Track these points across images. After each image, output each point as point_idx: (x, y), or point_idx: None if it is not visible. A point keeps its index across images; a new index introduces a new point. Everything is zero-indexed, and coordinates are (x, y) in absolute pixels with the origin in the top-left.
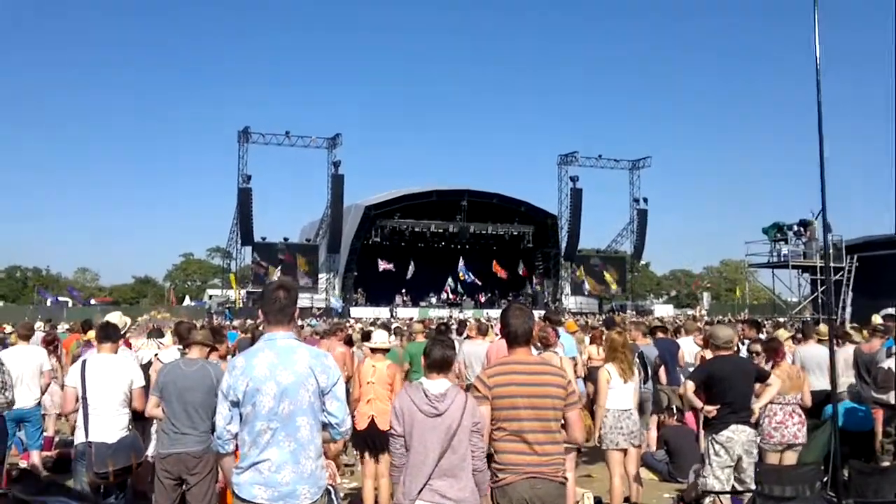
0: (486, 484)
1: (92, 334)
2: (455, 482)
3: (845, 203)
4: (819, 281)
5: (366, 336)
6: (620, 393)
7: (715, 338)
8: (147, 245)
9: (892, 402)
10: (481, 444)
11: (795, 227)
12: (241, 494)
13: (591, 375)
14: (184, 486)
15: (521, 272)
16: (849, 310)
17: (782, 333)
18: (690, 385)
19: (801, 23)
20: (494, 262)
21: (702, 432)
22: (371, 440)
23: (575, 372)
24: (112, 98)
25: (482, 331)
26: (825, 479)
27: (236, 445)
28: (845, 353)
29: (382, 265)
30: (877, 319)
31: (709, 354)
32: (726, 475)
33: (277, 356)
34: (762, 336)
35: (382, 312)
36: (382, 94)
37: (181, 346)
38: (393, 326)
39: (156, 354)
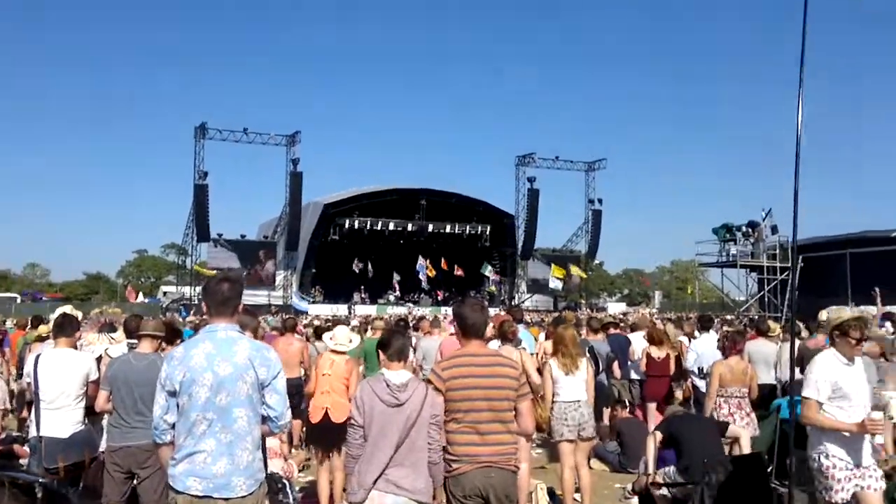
0: (440, 476)
1: (40, 330)
2: (410, 472)
3: (790, 205)
4: (766, 280)
5: (318, 332)
6: (564, 385)
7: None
8: (100, 241)
9: None
10: (438, 436)
11: (744, 229)
12: (176, 486)
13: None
14: (134, 480)
15: (489, 274)
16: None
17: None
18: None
19: (759, 24)
20: (443, 259)
21: (651, 425)
22: (325, 433)
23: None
24: (66, 92)
25: (435, 325)
26: (770, 469)
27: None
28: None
29: (356, 265)
30: (823, 316)
31: (654, 350)
32: None
33: (216, 347)
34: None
35: (340, 310)
36: (342, 92)
37: (131, 341)
38: (352, 325)
39: (105, 350)
